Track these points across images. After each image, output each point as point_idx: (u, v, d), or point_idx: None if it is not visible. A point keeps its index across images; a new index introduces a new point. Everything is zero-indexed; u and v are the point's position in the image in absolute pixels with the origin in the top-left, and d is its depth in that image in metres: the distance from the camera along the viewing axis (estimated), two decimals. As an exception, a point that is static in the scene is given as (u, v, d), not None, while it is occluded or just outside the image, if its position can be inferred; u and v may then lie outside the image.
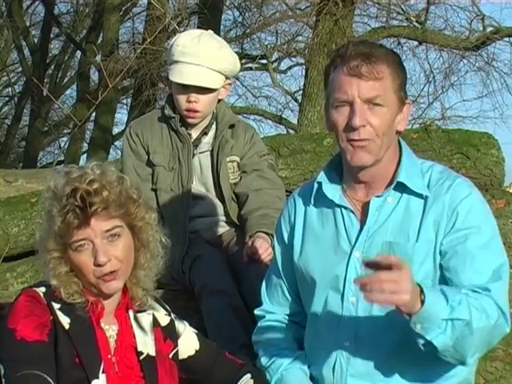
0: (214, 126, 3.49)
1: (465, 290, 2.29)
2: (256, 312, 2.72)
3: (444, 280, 2.38)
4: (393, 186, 2.44)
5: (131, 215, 2.35)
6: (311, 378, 2.52)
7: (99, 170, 2.33)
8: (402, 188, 2.44)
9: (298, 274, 2.58)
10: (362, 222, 2.46)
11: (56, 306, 2.30)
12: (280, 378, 2.52)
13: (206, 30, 3.56)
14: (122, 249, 2.32)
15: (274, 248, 2.74)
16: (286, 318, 2.66)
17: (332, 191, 2.50)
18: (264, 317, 2.68)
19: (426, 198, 2.42)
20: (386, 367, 2.39)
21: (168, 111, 3.45)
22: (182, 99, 3.38)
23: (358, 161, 2.41)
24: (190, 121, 3.43)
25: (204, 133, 3.48)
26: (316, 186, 2.53)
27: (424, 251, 2.39)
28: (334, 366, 2.44)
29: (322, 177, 2.53)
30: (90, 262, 2.29)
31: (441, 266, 2.39)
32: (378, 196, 2.45)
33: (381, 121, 2.39)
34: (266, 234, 3.28)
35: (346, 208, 2.48)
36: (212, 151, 3.46)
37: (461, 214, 2.38)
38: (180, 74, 3.36)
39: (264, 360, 2.59)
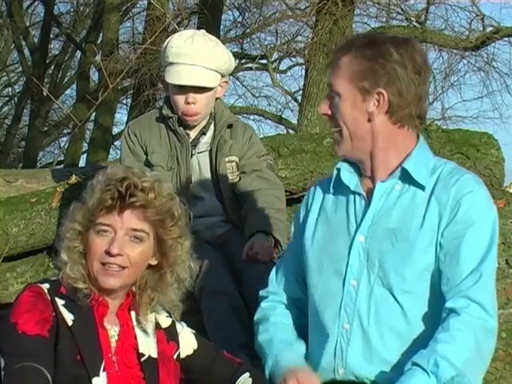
0: (212, 126, 3.48)
1: (435, 337, 2.29)
2: (260, 293, 2.73)
3: (438, 272, 2.39)
4: (397, 172, 2.47)
5: (165, 229, 2.38)
6: (312, 362, 2.52)
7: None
8: (408, 179, 2.46)
9: (305, 257, 2.60)
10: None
11: (60, 302, 2.32)
12: (275, 365, 2.52)
13: (206, 30, 3.57)
14: (138, 253, 2.34)
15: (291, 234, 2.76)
16: (290, 301, 2.68)
17: (349, 178, 2.54)
18: (267, 297, 2.70)
19: (432, 189, 2.44)
20: (385, 349, 2.41)
21: (166, 111, 3.44)
22: (179, 100, 3.37)
23: None
24: (189, 122, 3.42)
25: (202, 133, 3.47)
26: (335, 172, 2.57)
27: (427, 240, 2.41)
28: (335, 348, 2.46)
29: (341, 164, 2.56)
30: (102, 247, 2.31)
31: (438, 258, 2.40)
32: (383, 181, 2.48)
33: None
34: (267, 233, 3.28)
35: (359, 194, 2.52)
36: (210, 151, 3.46)
37: (463, 207, 2.40)
38: (176, 75, 3.35)
39: (261, 337, 2.62)
